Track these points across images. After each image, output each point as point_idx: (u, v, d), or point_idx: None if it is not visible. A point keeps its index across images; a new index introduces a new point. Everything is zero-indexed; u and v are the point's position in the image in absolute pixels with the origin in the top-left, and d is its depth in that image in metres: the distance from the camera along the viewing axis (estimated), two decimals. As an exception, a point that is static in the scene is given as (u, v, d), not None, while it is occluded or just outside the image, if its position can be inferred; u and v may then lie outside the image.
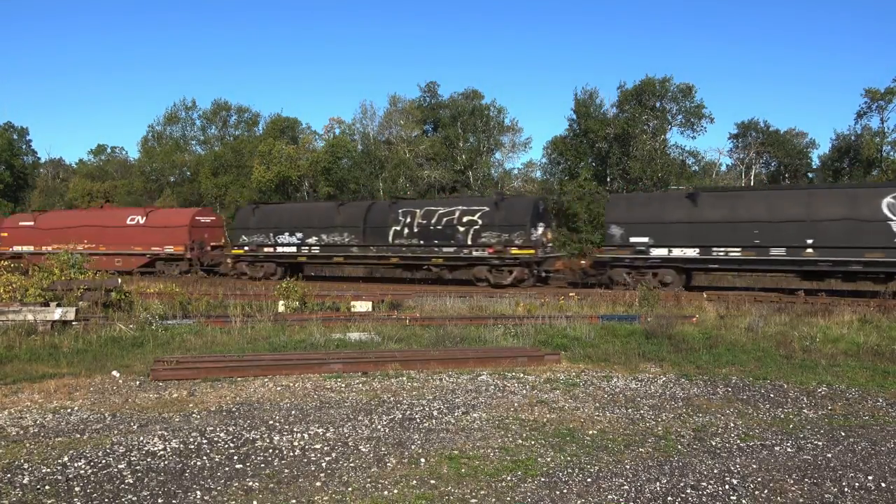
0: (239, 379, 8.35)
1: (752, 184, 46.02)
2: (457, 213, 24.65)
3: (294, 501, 4.65)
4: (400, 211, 25.72)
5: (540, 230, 24.29)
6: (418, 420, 6.64)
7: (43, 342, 10.31)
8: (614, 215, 22.90)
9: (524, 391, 7.89)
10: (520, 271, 23.42)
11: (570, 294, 18.65)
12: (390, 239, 25.57)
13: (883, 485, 5.05)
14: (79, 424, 6.42)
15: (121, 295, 13.92)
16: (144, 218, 31.41)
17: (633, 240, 22.17)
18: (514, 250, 23.36)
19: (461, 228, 24.34)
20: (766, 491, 4.90)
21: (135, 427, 6.34)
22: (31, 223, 34.30)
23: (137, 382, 8.19)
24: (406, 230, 25.31)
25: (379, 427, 6.39)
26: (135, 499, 4.66)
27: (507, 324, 12.59)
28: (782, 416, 6.96)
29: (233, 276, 28.90)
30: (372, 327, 11.95)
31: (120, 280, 14.77)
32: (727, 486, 4.98)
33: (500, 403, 7.32)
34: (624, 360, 9.68)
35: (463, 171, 46.00)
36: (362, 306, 14.85)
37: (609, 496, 4.78)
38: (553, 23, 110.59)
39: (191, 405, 7.17)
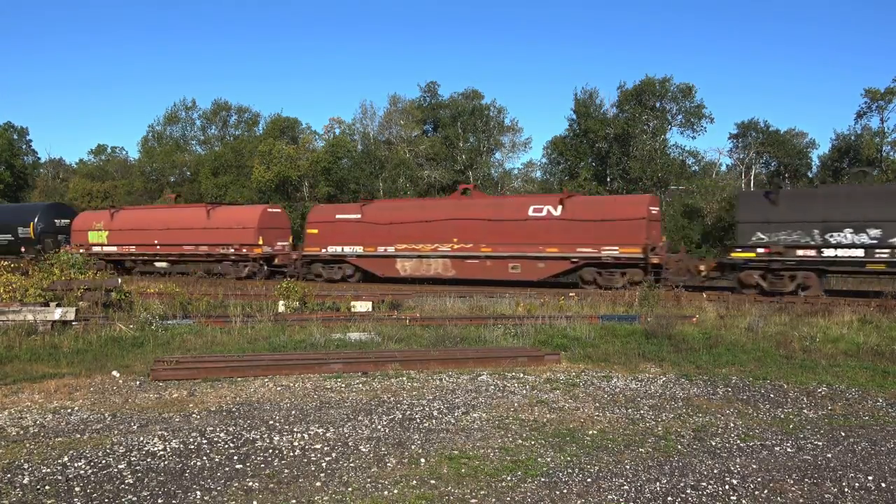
0: (239, 379, 8.36)
1: (751, 184, 46.02)
2: None
3: (294, 501, 4.65)
4: None
5: None
6: (418, 420, 6.64)
7: (43, 342, 10.31)
8: None
9: (524, 391, 7.89)
10: None
11: (570, 294, 18.64)
12: None
13: (883, 485, 5.05)
14: (79, 424, 6.42)
15: (121, 295, 13.93)
16: (560, 208, 22.77)
17: None
18: None
19: None
20: (766, 491, 4.90)
21: (135, 427, 6.34)
22: (357, 216, 25.96)
23: (137, 382, 8.19)
24: None
25: (379, 427, 6.39)
26: (135, 499, 4.66)
27: (507, 324, 12.59)
28: (782, 416, 6.96)
29: (736, 290, 20.01)
30: (372, 327, 11.95)
31: (120, 280, 14.77)
32: (727, 486, 4.98)
33: (500, 403, 7.32)
34: (624, 360, 9.68)
35: (463, 171, 46.01)
36: (362, 306, 14.85)
37: (609, 496, 4.78)
38: (553, 23, 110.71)
39: (191, 405, 7.17)
